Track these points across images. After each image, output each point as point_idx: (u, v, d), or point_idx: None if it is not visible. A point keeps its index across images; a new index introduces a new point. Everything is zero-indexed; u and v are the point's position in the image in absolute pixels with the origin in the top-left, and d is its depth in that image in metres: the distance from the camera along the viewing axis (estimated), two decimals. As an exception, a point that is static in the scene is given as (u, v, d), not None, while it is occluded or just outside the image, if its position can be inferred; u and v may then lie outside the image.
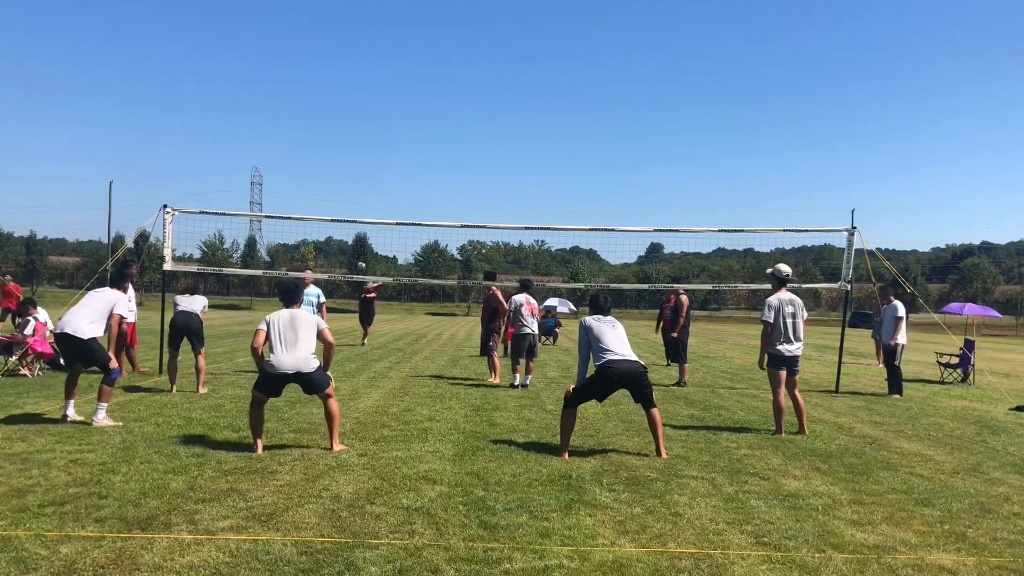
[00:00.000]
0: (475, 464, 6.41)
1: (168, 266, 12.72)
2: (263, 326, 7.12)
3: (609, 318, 7.61)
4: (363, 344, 20.93)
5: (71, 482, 5.46)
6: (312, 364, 7.04)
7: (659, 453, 7.10)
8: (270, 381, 7.02)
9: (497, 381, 12.54)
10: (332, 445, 6.97)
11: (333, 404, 7.10)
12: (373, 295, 22.22)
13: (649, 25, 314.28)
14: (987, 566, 4.35)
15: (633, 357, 7.31)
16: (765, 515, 5.19)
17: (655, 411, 7.27)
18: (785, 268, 8.83)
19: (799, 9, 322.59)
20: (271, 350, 6.99)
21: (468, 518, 4.91)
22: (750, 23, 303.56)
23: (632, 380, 7.21)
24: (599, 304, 7.76)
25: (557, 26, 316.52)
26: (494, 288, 13.75)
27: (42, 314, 12.34)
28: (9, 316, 13.83)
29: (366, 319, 21.68)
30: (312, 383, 7.07)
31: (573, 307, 56.31)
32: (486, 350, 13.65)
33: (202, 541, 4.34)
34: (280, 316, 7.20)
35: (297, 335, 7.07)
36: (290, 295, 7.45)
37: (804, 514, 5.25)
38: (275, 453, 6.60)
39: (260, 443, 6.77)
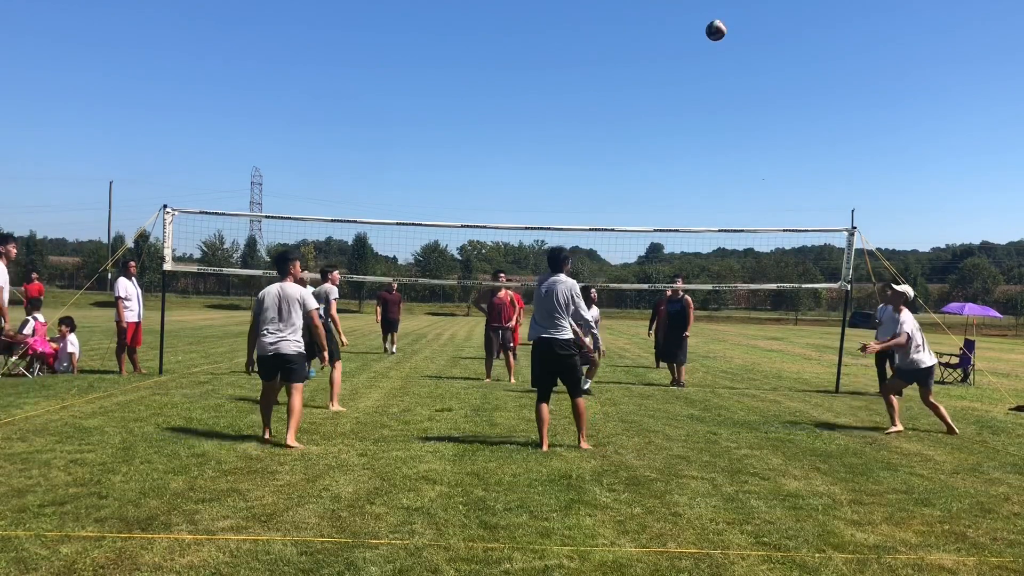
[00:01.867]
0: (475, 464, 6.41)
1: (168, 266, 12.73)
2: (256, 305, 7.17)
3: (552, 278, 7.22)
4: (392, 352, 18.30)
5: (71, 482, 5.46)
6: (292, 348, 7.08)
7: (580, 443, 7.24)
8: (260, 363, 7.15)
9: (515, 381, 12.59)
10: (288, 438, 6.95)
11: (296, 400, 7.08)
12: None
13: (649, 25, 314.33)
14: (987, 566, 4.35)
15: (555, 333, 7.12)
16: (765, 515, 5.19)
17: (579, 401, 7.24)
18: (910, 290, 9.43)
19: (799, 9, 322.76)
20: (261, 329, 7.12)
21: (468, 518, 4.91)
22: (750, 23, 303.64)
23: (549, 359, 7.15)
24: (551, 260, 7.36)
25: (557, 26, 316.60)
26: (506, 290, 13.51)
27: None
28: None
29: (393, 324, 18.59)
30: (286, 369, 7.10)
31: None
32: (502, 350, 13.20)
33: (202, 541, 4.35)
34: (269, 292, 7.21)
35: (279, 313, 7.08)
36: (279, 263, 7.43)
37: (804, 514, 5.25)
38: (275, 453, 6.61)
39: (268, 430, 7.06)
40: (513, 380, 12.69)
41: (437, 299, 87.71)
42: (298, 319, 7.13)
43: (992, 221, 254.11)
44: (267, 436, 6.99)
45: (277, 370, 7.14)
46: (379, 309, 18.68)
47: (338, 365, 9.29)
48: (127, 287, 12.07)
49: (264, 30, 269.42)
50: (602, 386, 12.63)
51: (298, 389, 7.13)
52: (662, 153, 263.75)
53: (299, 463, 6.25)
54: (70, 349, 12.18)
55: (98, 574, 3.86)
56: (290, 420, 7.03)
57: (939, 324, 16.90)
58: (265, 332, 7.07)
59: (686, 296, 13.43)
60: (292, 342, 7.11)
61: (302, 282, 7.76)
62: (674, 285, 13.79)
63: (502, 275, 13.74)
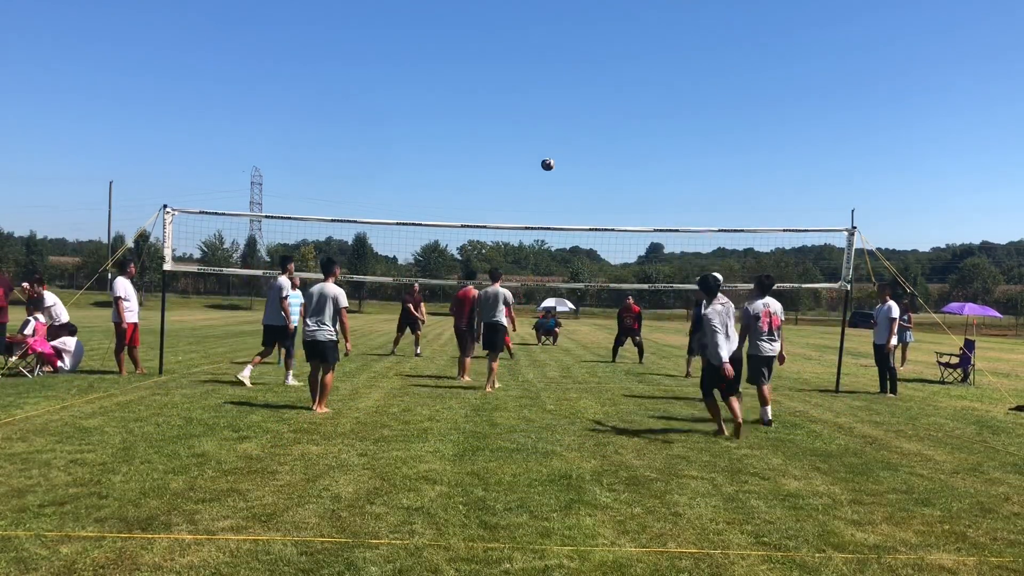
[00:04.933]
0: (475, 464, 6.41)
1: (168, 266, 12.72)
2: (303, 298, 9.34)
3: (721, 302, 8.21)
4: (418, 353, 17.85)
5: (71, 482, 5.46)
6: (324, 335, 8.75)
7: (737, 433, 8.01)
8: (304, 344, 8.91)
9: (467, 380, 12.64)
10: (316, 407, 8.76)
11: (328, 377, 8.79)
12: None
13: (650, 25, 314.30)
14: (987, 566, 4.35)
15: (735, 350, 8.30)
16: (765, 515, 5.19)
17: (733, 399, 8.14)
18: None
19: (799, 9, 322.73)
20: (306, 319, 8.91)
21: (468, 518, 4.91)
22: (750, 23, 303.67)
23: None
24: (709, 288, 8.29)
25: (557, 25, 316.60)
26: (472, 287, 13.52)
27: (56, 301, 12.65)
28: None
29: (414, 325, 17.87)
30: (319, 352, 8.79)
31: (573, 307, 56.30)
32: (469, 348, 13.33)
33: (202, 541, 4.34)
34: (312, 289, 8.98)
35: (317, 307, 8.78)
36: (323, 268, 9.15)
37: (804, 514, 5.25)
38: (275, 453, 6.61)
39: (315, 405, 8.81)
40: (467, 378, 12.62)
41: (437, 299, 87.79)
42: (330, 312, 8.76)
43: (992, 221, 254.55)
44: (315, 409, 8.74)
45: (316, 352, 8.79)
46: (407, 309, 17.76)
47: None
48: (127, 287, 12.06)
49: (264, 30, 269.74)
50: (601, 386, 12.64)
51: (329, 370, 8.79)
52: (662, 153, 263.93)
53: (299, 463, 6.25)
54: (68, 348, 12.19)
55: (98, 574, 3.86)
56: (322, 392, 8.80)
57: (939, 324, 16.90)
58: (308, 322, 8.81)
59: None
60: (326, 331, 8.76)
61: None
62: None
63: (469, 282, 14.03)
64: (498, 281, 11.85)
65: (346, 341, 9.04)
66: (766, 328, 9.10)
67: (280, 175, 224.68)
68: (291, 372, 11.52)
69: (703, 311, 8.32)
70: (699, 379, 8.44)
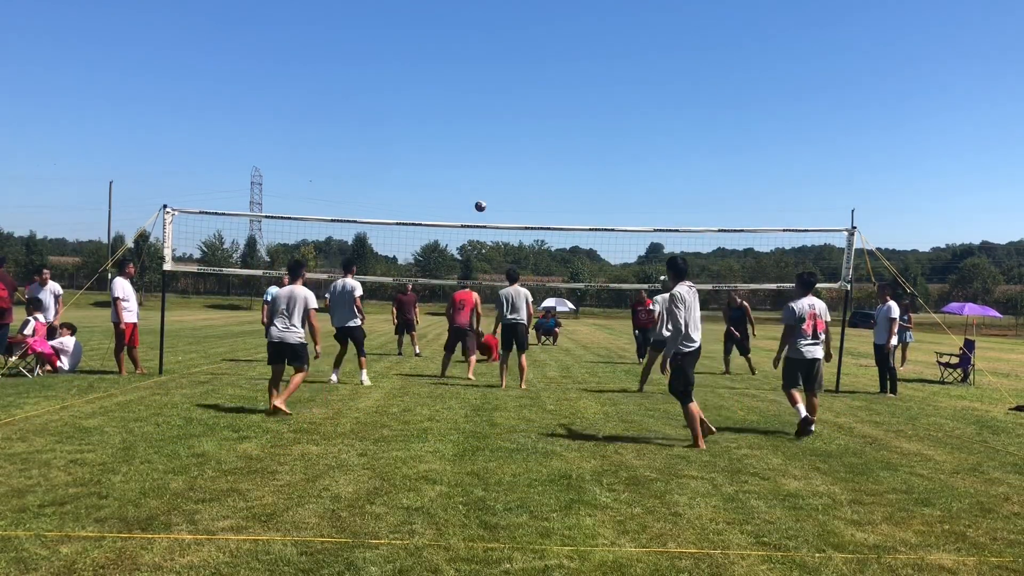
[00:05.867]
0: (475, 464, 6.41)
1: (168, 266, 12.73)
2: (268, 297, 9.40)
3: (689, 285, 7.78)
4: (418, 354, 18.09)
5: (71, 482, 5.46)
6: (294, 337, 8.70)
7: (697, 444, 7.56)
8: (269, 347, 8.88)
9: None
10: (278, 401, 8.39)
11: (297, 378, 8.77)
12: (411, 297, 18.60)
13: (649, 24, 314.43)
14: (987, 566, 4.35)
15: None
16: (765, 515, 5.19)
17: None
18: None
19: (799, 8, 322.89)
20: (270, 320, 8.88)
21: (468, 518, 4.91)
22: (749, 22, 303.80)
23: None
24: (679, 269, 7.79)
25: (556, 25, 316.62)
26: (470, 290, 13.97)
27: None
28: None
29: (408, 326, 18.29)
30: (289, 353, 8.76)
31: (573, 307, 56.34)
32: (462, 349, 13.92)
33: (202, 541, 4.34)
34: (280, 291, 8.97)
35: (287, 309, 8.73)
36: (291, 271, 9.10)
37: (804, 514, 5.25)
38: (275, 453, 6.60)
39: (272, 404, 8.39)
40: (471, 377, 12.94)
41: (437, 299, 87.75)
42: (300, 315, 8.72)
43: (992, 221, 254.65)
44: (272, 407, 8.38)
45: (282, 355, 8.74)
46: (395, 311, 18.36)
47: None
48: (125, 288, 12.06)
49: (264, 30, 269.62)
50: (601, 386, 12.64)
51: (300, 370, 8.78)
52: (662, 153, 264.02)
53: (299, 463, 6.25)
54: (67, 348, 12.19)
55: (98, 574, 3.86)
56: (288, 389, 8.66)
57: (939, 324, 16.91)
58: (276, 324, 8.74)
59: (744, 303, 15.74)
60: (294, 333, 8.71)
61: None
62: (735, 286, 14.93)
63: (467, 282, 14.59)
64: (517, 282, 12.05)
65: (316, 343, 9.12)
66: (810, 331, 8.44)
67: (280, 175, 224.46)
68: (364, 371, 11.89)
69: (671, 292, 7.65)
70: (694, 378, 7.60)
